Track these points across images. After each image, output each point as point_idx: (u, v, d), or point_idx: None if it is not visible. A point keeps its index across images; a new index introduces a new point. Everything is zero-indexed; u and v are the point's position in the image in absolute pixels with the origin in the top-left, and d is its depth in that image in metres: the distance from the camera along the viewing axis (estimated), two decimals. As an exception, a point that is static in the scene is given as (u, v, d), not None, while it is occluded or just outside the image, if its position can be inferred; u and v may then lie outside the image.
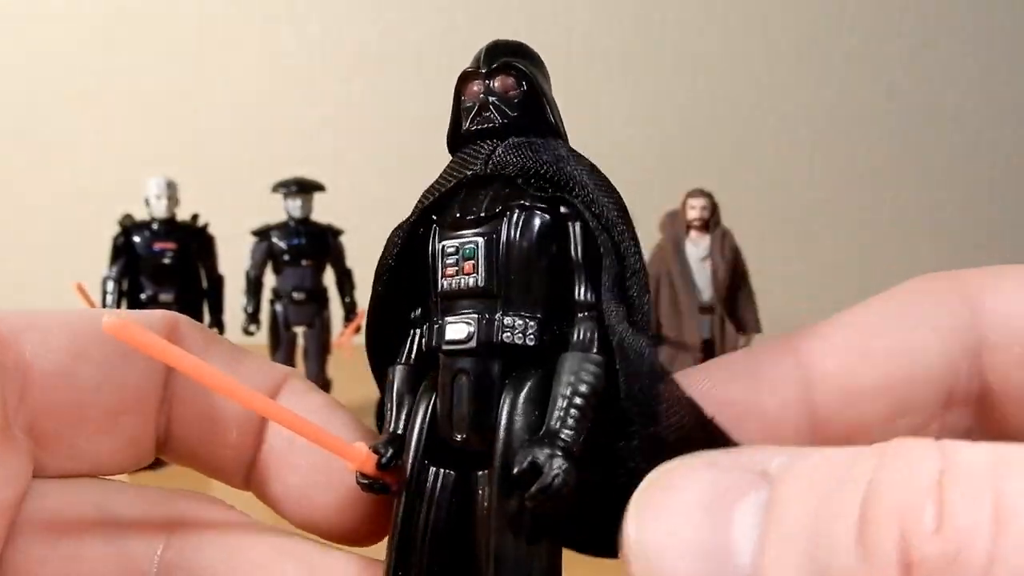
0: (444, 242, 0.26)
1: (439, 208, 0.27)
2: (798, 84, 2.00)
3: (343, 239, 1.30)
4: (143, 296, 1.21)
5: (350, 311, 1.31)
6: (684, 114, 1.96)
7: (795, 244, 1.96)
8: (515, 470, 0.23)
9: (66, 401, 0.26)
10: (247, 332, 1.29)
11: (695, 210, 1.24)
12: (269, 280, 1.30)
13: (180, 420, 0.28)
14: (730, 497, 0.20)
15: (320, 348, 1.30)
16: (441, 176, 0.28)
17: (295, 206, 1.27)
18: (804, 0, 1.99)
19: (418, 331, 0.28)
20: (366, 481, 0.26)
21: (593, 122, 1.64)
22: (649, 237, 1.28)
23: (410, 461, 0.26)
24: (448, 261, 0.26)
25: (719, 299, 1.22)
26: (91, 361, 0.26)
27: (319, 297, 1.30)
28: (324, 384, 1.30)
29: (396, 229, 0.28)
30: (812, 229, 1.99)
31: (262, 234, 1.28)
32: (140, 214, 1.22)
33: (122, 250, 1.20)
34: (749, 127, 1.99)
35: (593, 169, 0.27)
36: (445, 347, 0.25)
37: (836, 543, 0.18)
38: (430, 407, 0.26)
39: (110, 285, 1.19)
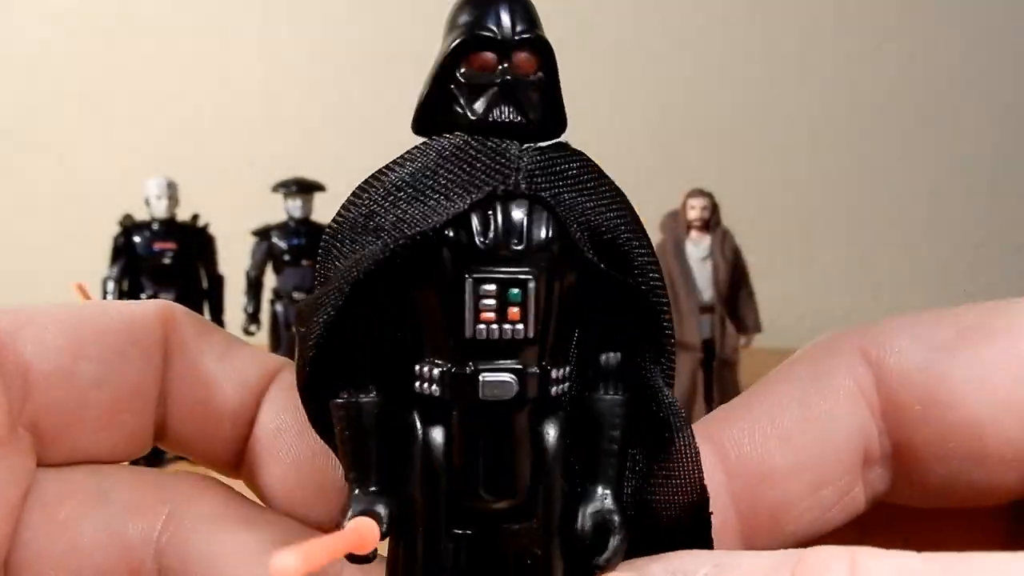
0: (475, 277, 0.21)
1: (448, 223, 0.22)
2: (798, 84, 2.00)
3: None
4: (143, 296, 1.21)
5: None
6: (684, 114, 1.96)
7: (795, 244, 1.96)
8: (583, 530, 0.22)
9: (67, 399, 0.26)
10: (247, 332, 1.29)
11: (695, 210, 1.24)
12: (269, 280, 1.30)
13: (177, 414, 0.28)
14: None
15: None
16: (446, 178, 0.22)
17: (295, 206, 1.27)
18: (804, 0, 1.99)
19: (368, 355, 0.23)
20: (360, 557, 0.22)
21: (593, 122, 1.64)
22: (649, 237, 1.28)
23: (427, 530, 0.23)
24: (486, 303, 0.21)
25: (719, 299, 1.22)
26: (90, 359, 0.26)
27: (319, 297, 1.30)
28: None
29: (353, 234, 0.23)
30: (812, 229, 1.99)
31: (262, 234, 1.28)
32: (140, 214, 1.22)
33: (122, 250, 1.20)
34: (749, 127, 1.98)
35: (622, 202, 0.24)
36: (483, 401, 0.22)
37: None
38: (440, 462, 0.22)
39: (110, 285, 1.19)
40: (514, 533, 0.23)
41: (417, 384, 0.22)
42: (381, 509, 0.22)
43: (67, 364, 0.26)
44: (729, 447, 0.26)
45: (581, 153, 0.24)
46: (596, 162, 0.24)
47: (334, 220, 0.24)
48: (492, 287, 0.21)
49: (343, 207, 0.24)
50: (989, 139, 2.08)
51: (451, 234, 0.22)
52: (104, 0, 1.88)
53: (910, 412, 0.26)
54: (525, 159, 0.22)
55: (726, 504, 0.26)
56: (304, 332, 0.23)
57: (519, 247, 0.21)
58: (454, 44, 0.22)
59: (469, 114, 0.22)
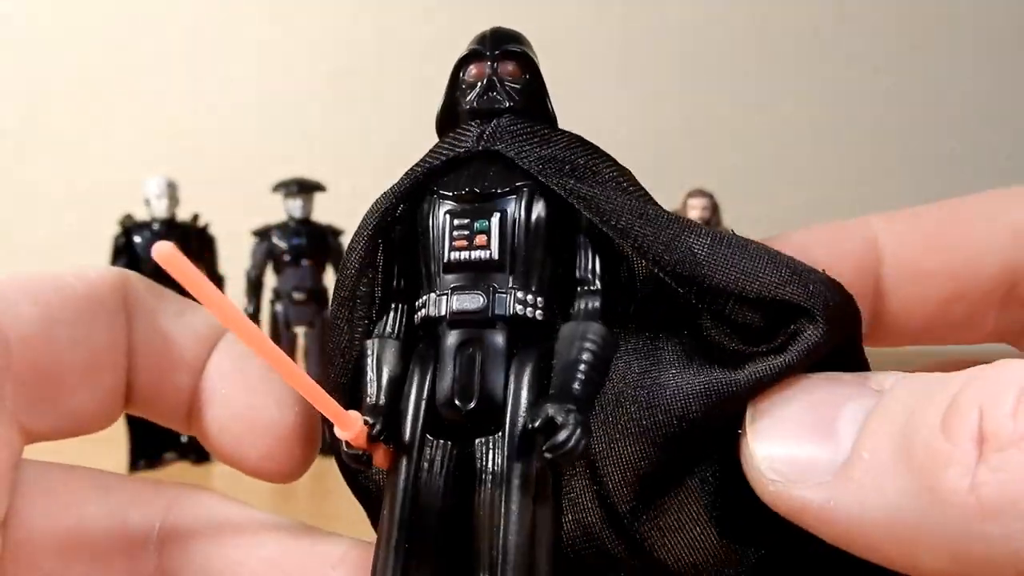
0: (449, 213, 0.26)
1: (432, 181, 0.27)
2: (798, 84, 2.00)
3: (343, 239, 1.30)
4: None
5: (350, 311, 1.31)
6: (684, 114, 1.96)
7: (795, 244, 1.96)
8: (532, 424, 0.24)
9: (46, 363, 0.27)
10: (247, 332, 1.29)
11: (696, 210, 1.24)
12: (269, 280, 1.30)
13: (141, 371, 0.29)
14: (840, 399, 0.22)
15: (321, 348, 1.30)
16: (433, 150, 0.28)
17: (295, 206, 1.27)
18: (804, 0, 1.99)
19: (401, 305, 0.28)
20: (353, 452, 0.25)
21: (593, 122, 1.64)
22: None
23: (409, 433, 0.26)
24: (458, 233, 0.26)
25: (719, 299, 1.22)
26: (63, 322, 0.27)
27: (320, 297, 1.30)
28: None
29: (382, 197, 0.28)
30: (812, 229, 1.99)
31: (262, 234, 1.28)
32: (140, 214, 1.22)
33: (123, 250, 1.20)
34: (749, 127, 1.98)
35: (591, 148, 0.27)
36: (454, 317, 0.26)
37: (923, 423, 0.20)
38: (427, 378, 0.26)
39: (110, 285, 1.19)
40: (485, 443, 0.26)
41: (415, 316, 0.27)
42: (379, 418, 0.26)
43: (43, 329, 0.27)
44: (887, 241, 0.28)
45: (540, 121, 0.28)
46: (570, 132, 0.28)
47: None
48: (465, 220, 0.26)
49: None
50: (990, 140, 2.08)
51: (436, 188, 0.27)
52: (104, 0, 1.87)
53: None
54: (487, 130, 0.27)
55: (865, 283, 0.28)
56: (338, 277, 0.29)
57: (490, 189, 0.26)
58: (457, 60, 0.28)
59: (465, 104, 0.28)
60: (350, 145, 1.89)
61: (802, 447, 0.22)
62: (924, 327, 0.29)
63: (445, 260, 0.26)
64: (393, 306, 0.28)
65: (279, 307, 1.29)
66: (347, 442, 0.25)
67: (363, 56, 1.92)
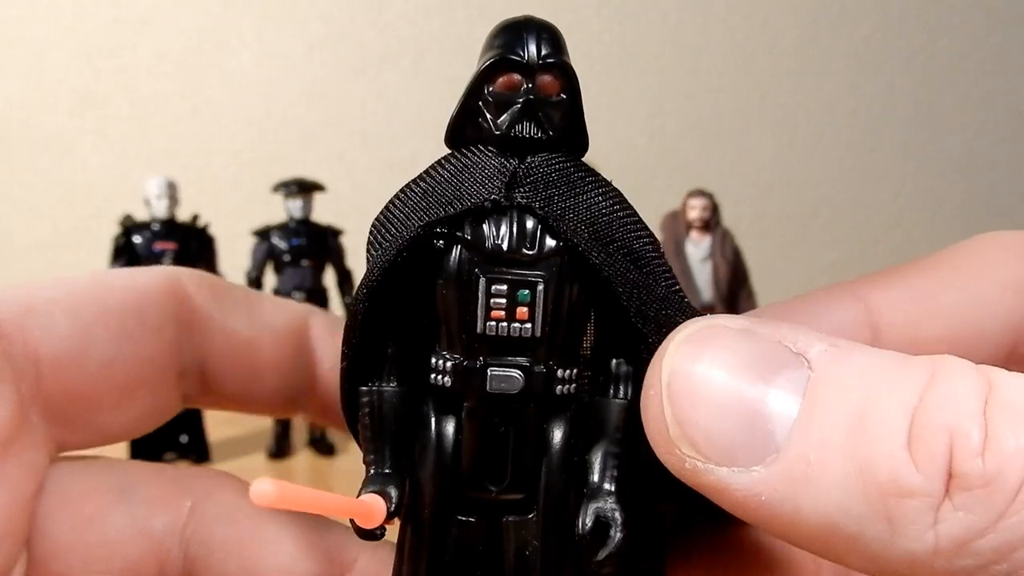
0: (486, 278, 0.23)
1: (456, 224, 0.24)
2: (798, 84, 2.00)
3: (343, 239, 1.30)
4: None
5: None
6: (684, 114, 1.96)
7: (795, 244, 1.96)
8: (583, 530, 0.23)
9: (79, 383, 0.26)
10: (247, 332, 1.29)
11: (696, 210, 1.24)
12: (270, 280, 1.30)
13: (219, 377, 0.29)
14: (769, 366, 0.20)
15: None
16: (450, 184, 0.24)
17: (295, 206, 1.27)
18: (804, 0, 1.99)
19: (397, 349, 0.25)
20: (368, 531, 0.24)
21: (593, 122, 1.63)
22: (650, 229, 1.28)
23: (432, 513, 0.24)
24: (496, 302, 0.23)
25: (720, 299, 1.22)
26: (98, 341, 0.26)
27: (319, 297, 1.29)
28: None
29: (387, 233, 0.25)
30: (812, 229, 1.99)
31: (262, 234, 1.28)
32: (140, 214, 1.22)
33: (123, 250, 1.20)
34: (749, 127, 1.98)
35: (619, 199, 0.25)
36: (490, 394, 0.23)
37: (884, 444, 0.19)
38: (447, 451, 0.24)
39: (110, 285, 1.19)
40: (515, 524, 0.24)
41: (432, 376, 0.24)
42: (392, 491, 0.24)
43: (76, 348, 0.26)
44: (880, 310, 0.27)
45: (575, 160, 0.25)
46: (592, 167, 0.26)
47: (373, 222, 0.26)
48: (503, 287, 0.23)
49: (381, 210, 0.26)
50: (990, 140, 2.08)
51: (467, 236, 0.24)
52: (104, 0, 1.87)
53: None
54: (518, 173, 0.24)
55: None
56: (347, 324, 0.25)
57: (530, 252, 0.23)
58: (485, 65, 0.24)
59: (494, 128, 0.24)
60: (350, 145, 1.89)
61: (725, 426, 0.20)
62: None
63: (478, 329, 0.23)
64: (390, 351, 0.25)
65: (279, 307, 1.29)
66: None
67: (364, 57, 1.92)
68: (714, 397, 0.20)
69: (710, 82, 1.97)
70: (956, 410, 0.19)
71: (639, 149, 1.88)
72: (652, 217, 1.25)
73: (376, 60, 1.91)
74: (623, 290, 0.24)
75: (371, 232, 0.26)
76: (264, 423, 1.18)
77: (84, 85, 1.87)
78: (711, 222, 1.25)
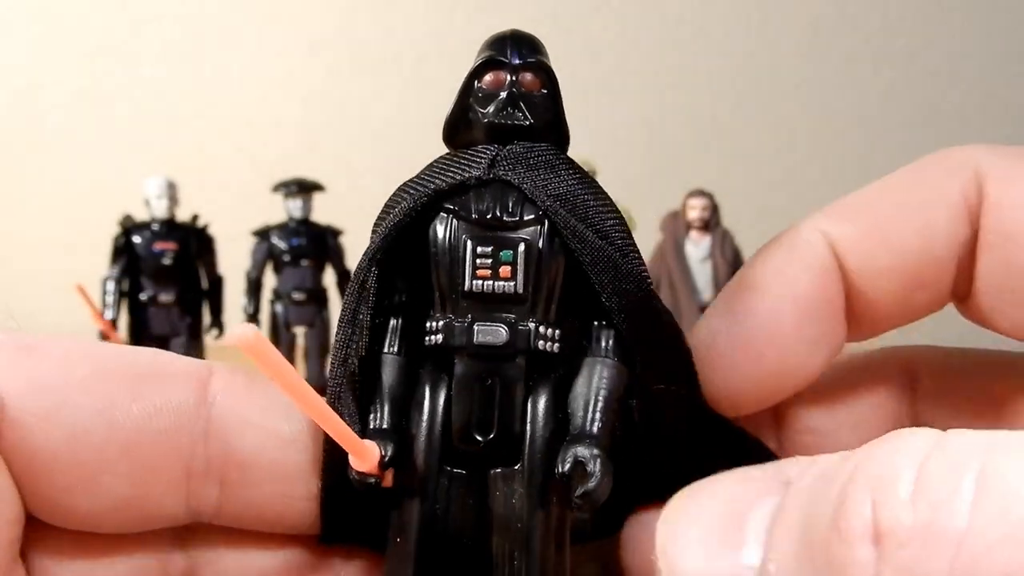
0: (472, 240, 0.26)
1: (445, 198, 0.26)
2: (798, 84, 2.00)
3: (343, 239, 1.30)
4: (143, 296, 1.21)
5: (350, 311, 1.31)
6: (684, 115, 1.96)
7: (795, 244, 1.96)
8: (562, 469, 0.24)
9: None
10: (247, 332, 1.28)
11: (696, 210, 1.24)
12: (269, 280, 1.30)
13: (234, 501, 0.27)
14: (747, 503, 0.21)
15: (320, 348, 1.30)
16: (442, 167, 0.27)
17: (295, 206, 1.27)
18: (804, 0, 1.99)
19: (400, 321, 0.27)
20: (363, 478, 0.25)
21: (593, 122, 1.64)
22: (649, 237, 1.28)
23: (422, 462, 0.25)
24: (481, 262, 0.25)
25: (719, 299, 1.22)
26: (113, 475, 0.24)
27: (319, 297, 1.30)
28: (324, 384, 1.30)
29: (391, 224, 0.26)
30: (812, 229, 1.99)
31: (262, 234, 1.28)
32: (140, 214, 1.22)
33: (122, 250, 1.20)
34: (749, 127, 1.98)
35: (593, 186, 0.27)
36: (475, 349, 0.25)
37: (819, 522, 0.18)
38: (439, 406, 0.26)
39: (110, 286, 1.19)
40: (502, 475, 0.26)
41: (427, 338, 0.26)
42: (388, 443, 0.25)
43: (88, 481, 0.24)
44: (843, 245, 0.28)
45: (556, 149, 0.28)
46: (570, 158, 0.28)
47: (375, 221, 0.28)
48: (488, 248, 0.25)
49: (382, 208, 0.28)
50: (992, 140, 2.07)
51: (455, 208, 0.26)
52: (104, 1, 1.87)
53: (1000, 251, 0.26)
54: (501, 155, 0.26)
55: (837, 294, 0.28)
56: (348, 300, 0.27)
57: (512, 219, 0.26)
58: (475, 65, 0.27)
59: (483, 117, 0.27)
60: (350, 145, 1.89)
61: (714, 562, 0.21)
62: (892, 317, 0.29)
63: (465, 287, 0.25)
64: (392, 323, 0.27)
65: (279, 307, 1.29)
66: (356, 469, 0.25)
67: (364, 56, 1.92)
68: (702, 540, 0.21)
69: (710, 82, 1.97)
70: (884, 466, 0.18)
71: (639, 149, 1.88)
72: (652, 217, 1.25)
73: (376, 61, 1.92)
74: (589, 260, 0.25)
75: (374, 224, 0.28)
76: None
77: (84, 85, 1.87)
78: (711, 222, 1.25)
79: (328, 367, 0.27)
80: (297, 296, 1.27)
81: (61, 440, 0.23)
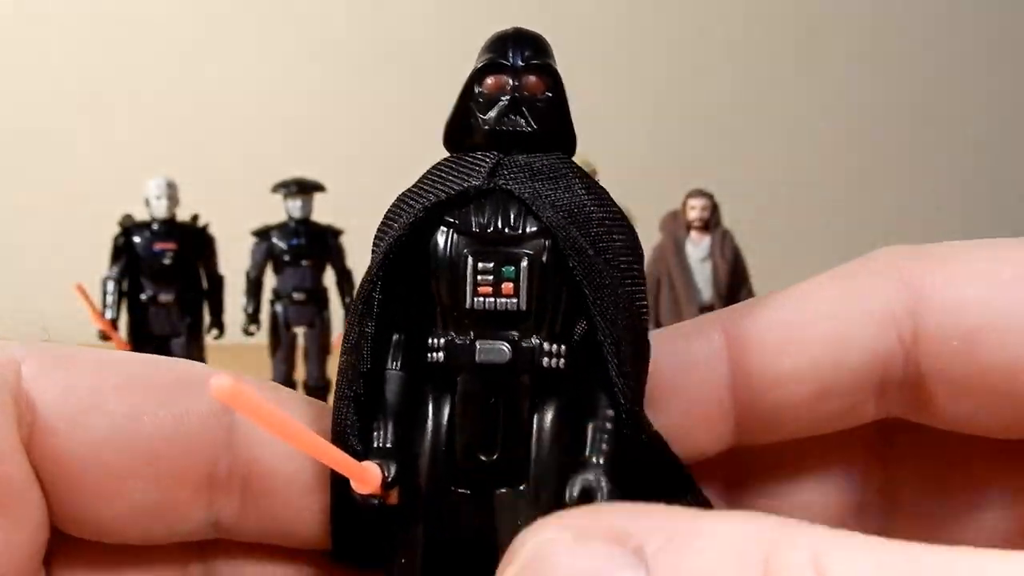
0: (473, 255, 0.24)
1: (443, 210, 0.25)
2: (799, 84, 2.00)
3: (343, 239, 1.30)
4: (143, 296, 1.21)
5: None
6: (684, 114, 1.96)
7: (795, 244, 1.96)
8: (572, 494, 0.24)
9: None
10: (247, 332, 1.29)
11: (695, 210, 1.24)
12: (269, 280, 1.30)
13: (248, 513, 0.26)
14: None
15: (320, 348, 1.30)
16: (439, 176, 0.26)
17: (295, 206, 1.27)
18: (805, 0, 1.99)
19: (402, 336, 0.26)
20: (366, 500, 0.24)
21: (593, 122, 1.64)
22: (649, 237, 1.28)
23: (426, 483, 0.25)
24: (483, 278, 0.24)
25: (719, 299, 1.22)
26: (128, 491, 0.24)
27: (319, 297, 1.30)
28: (324, 385, 1.30)
29: (389, 225, 0.26)
30: (812, 229, 1.99)
31: (262, 234, 1.28)
32: (140, 214, 1.22)
33: (122, 250, 1.20)
34: (750, 127, 1.98)
35: (602, 198, 0.26)
36: (477, 368, 0.24)
37: None
38: (443, 425, 0.25)
39: (110, 285, 1.19)
40: (507, 496, 0.25)
41: (428, 355, 0.25)
42: (391, 463, 0.24)
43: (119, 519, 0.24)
44: (742, 342, 0.26)
45: (563, 157, 0.26)
46: (579, 165, 0.26)
47: (376, 232, 0.27)
48: (489, 264, 0.24)
49: (382, 219, 0.27)
50: (991, 139, 2.08)
51: (455, 221, 0.25)
52: (104, 0, 1.88)
53: (944, 346, 0.25)
54: (502, 163, 0.25)
55: (725, 397, 0.26)
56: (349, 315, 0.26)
57: (514, 233, 0.25)
58: (476, 68, 0.26)
59: (483, 123, 0.26)
60: (350, 145, 1.89)
61: None
62: (798, 424, 0.27)
63: (467, 304, 0.24)
64: (395, 337, 0.26)
65: (279, 307, 1.29)
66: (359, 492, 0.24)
67: (363, 56, 1.92)
68: None
69: (710, 82, 1.97)
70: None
71: (639, 149, 1.88)
72: (652, 217, 1.25)
73: (376, 61, 1.92)
74: (586, 282, 0.25)
75: (375, 238, 0.27)
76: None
77: (84, 85, 1.88)
78: (711, 222, 1.25)
79: (334, 385, 0.26)
80: (297, 296, 1.27)
81: (90, 446, 0.24)
